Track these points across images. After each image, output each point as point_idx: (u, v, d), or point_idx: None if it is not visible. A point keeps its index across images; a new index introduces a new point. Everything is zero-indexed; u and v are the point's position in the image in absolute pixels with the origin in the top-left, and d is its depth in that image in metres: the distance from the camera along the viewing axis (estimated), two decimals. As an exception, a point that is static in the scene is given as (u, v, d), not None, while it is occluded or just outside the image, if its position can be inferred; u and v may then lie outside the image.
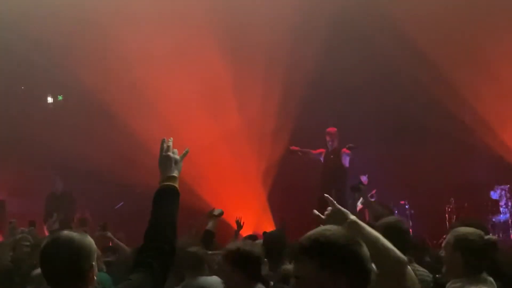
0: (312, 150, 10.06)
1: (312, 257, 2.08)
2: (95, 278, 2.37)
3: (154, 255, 2.41)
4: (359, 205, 10.13)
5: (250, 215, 10.60)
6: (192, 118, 11.58)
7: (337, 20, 11.30)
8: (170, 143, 2.68)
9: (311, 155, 10.05)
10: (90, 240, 2.40)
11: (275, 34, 11.24)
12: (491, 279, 3.62)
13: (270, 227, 10.58)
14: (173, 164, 2.63)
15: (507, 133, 11.00)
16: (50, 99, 13.64)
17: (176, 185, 2.59)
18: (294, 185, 11.54)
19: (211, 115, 11.80)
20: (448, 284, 3.68)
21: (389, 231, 4.33)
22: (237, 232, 7.28)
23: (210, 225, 5.79)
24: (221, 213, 5.94)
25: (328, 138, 9.81)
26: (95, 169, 11.51)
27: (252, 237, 6.85)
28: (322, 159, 9.90)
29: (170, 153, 2.65)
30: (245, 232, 7.77)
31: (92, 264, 2.36)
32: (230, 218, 9.77)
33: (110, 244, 7.32)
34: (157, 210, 2.52)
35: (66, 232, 2.40)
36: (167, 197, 2.55)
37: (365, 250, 2.12)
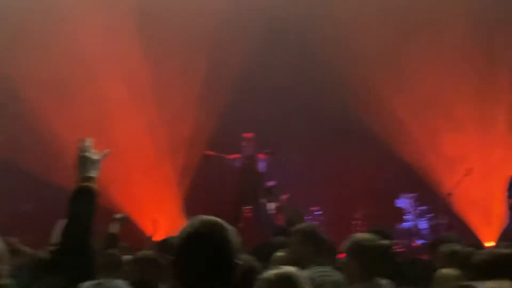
0: (227, 155, 10.12)
1: None
2: (4, 282, 2.30)
3: (70, 257, 2.37)
4: (273, 210, 10.28)
5: (165, 219, 10.55)
6: (112, 117, 11.39)
7: (266, 20, 11.47)
8: (89, 143, 2.65)
9: (226, 160, 10.11)
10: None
11: (199, 33, 11.28)
12: (386, 283, 3.78)
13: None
14: (91, 165, 2.59)
15: (413, 143, 11.47)
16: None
17: (94, 185, 2.56)
18: (210, 190, 11.54)
19: (131, 115, 11.64)
20: None
21: (307, 237, 4.49)
22: (151, 235, 7.32)
23: (113, 228, 5.90)
24: (124, 217, 6.14)
25: (244, 144, 9.91)
26: (11, 169, 11.10)
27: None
28: (238, 164, 9.98)
29: (88, 154, 2.61)
30: (159, 236, 7.72)
31: (1, 268, 2.29)
32: (145, 221, 9.66)
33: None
34: (73, 211, 2.48)
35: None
36: (83, 198, 2.52)
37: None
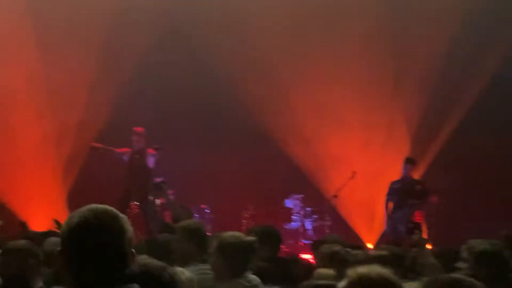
0: (116, 148, 9.87)
1: None
2: None
3: None
4: (158, 205, 10.18)
5: (47, 209, 10.23)
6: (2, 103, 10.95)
7: (165, 15, 11.35)
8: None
9: (115, 154, 9.85)
10: None
11: (94, 19, 11.03)
12: (255, 277, 3.86)
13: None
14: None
15: (304, 145, 11.74)
16: None
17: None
18: (97, 183, 11.18)
19: (21, 102, 11.13)
20: None
21: (190, 234, 4.48)
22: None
23: None
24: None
25: (134, 138, 9.71)
26: None
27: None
28: (126, 158, 9.77)
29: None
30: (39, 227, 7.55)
31: None
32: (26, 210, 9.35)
33: None
34: None
35: None
36: None
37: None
